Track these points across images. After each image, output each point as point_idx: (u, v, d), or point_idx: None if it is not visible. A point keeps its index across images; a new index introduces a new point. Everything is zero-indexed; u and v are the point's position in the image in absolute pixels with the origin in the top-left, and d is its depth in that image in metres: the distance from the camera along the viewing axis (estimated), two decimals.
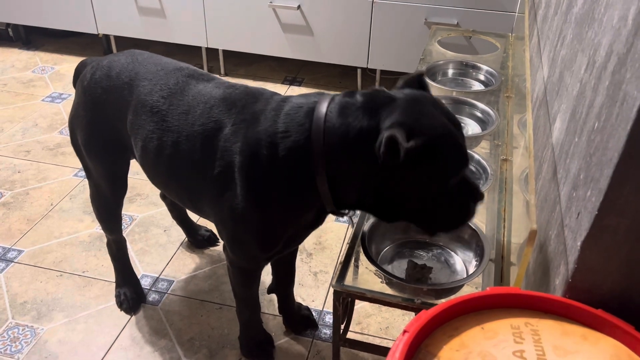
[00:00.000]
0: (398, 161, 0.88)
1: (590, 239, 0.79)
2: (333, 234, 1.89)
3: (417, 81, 1.07)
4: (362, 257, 1.11)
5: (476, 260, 1.15)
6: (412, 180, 0.95)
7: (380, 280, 1.07)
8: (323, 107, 1.00)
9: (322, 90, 1.14)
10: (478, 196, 1.01)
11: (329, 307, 1.61)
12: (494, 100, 1.79)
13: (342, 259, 1.11)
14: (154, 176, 1.27)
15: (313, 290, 1.67)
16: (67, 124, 2.45)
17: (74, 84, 1.41)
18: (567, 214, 0.93)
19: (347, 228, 1.92)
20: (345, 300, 1.09)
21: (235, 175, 1.06)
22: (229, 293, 1.64)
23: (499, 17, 2.44)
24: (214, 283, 1.68)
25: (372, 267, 1.08)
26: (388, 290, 1.06)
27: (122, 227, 1.88)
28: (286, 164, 1.01)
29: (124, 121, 1.27)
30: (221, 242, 1.84)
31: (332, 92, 1.07)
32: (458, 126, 0.99)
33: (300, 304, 1.58)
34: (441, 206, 0.99)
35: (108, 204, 1.46)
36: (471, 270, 1.15)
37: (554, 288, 0.93)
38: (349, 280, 1.08)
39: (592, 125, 0.87)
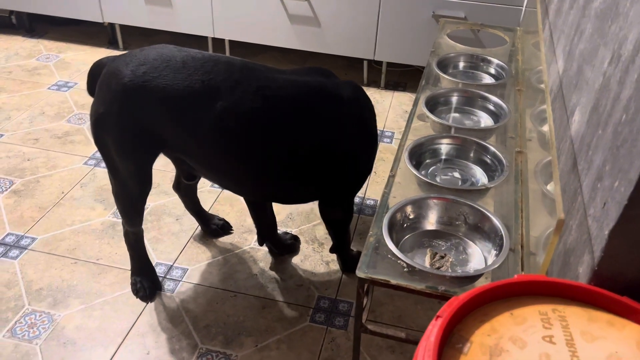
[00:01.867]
0: None
1: (618, 228, 0.82)
2: None
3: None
4: (385, 245, 1.14)
5: (495, 250, 1.18)
6: None
7: (404, 268, 1.09)
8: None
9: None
10: None
11: (342, 296, 1.63)
12: (505, 93, 1.81)
13: (366, 247, 1.13)
14: (256, 171, 1.39)
15: (325, 279, 1.69)
16: (74, 112, 2.45)
17: (90, 86, 1.41)
18: (590, 204, 0.96)
19: (357, 218, 1.94)
20: (368, 288, 1.11)
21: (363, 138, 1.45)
22: (243, 281, 1.66)
23: (506, 11, 2.46)
24: (228, 271, 1.70)
25: (395, 256, 1.10)
26: (412, 277, 1.08)
27: None
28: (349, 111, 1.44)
29: (185, 121, 1.30)
30: (234, 230, 1.86)
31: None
32: None
33: (284, 233, 1.82)
34: None
35: (134, 201, 1.48)
36: (490, 260, 1.18)
37: (576, 276, 0.95)
38: (373, 267, 1.10)
39: (618, 118, 0.89)
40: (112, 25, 3.03)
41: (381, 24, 2.62)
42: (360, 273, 1.08)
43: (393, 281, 1.06)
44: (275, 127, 1.33)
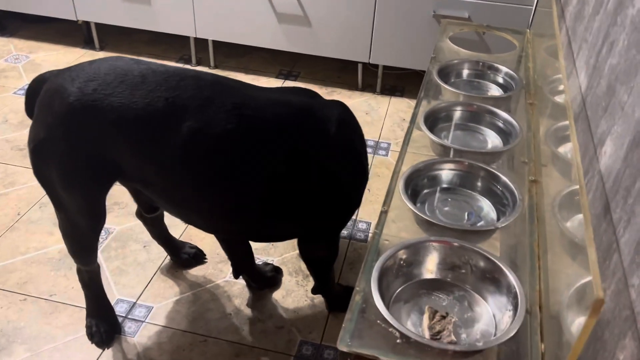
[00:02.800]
0: None
1: None
2: None
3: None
4: (374, 305, 0.93)
5: (508, 309, 0.97)
6: None
7: (397, 339, 0.88)
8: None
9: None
10: None
11: (328, 340, 1.43)
12: (515, 107, 1.60)
13: (350, 309, 0.93)
14: (211, 213, 1.21)
15: (310, 319, 1.48)
16: None
17: (29, 106, 1.19)
18: (633, 270, 0.75)
19: (348, 244, 1.73)
20: None
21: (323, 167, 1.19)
22: (215, 323, 1.46)
23: (514, 11, 2.24)
24: (198, 310, 1.49)
25: (386, 321, 0.89)
26: (406, 350, 0.88)
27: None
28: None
29: (146, 145, 1.09)
30: (208, 259, 1.65)
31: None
32: None
33: (264, 264, 1.63)
34: None
35: (85, 239, 1.27)
36: (502, 320, 0.97)
37: None
38: (359, 336, 0.89)
39: None
40: (87, 23, 2.81)
41: (377, 23, 2.41)
42: (342, 345, 0.87)
43: (382, 357, 0.86)
44: (253, 153, 1.12)
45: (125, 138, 1.09)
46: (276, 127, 1.13)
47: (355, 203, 1.31)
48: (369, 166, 2.10)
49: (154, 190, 1.19)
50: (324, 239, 1.33)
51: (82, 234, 1.25)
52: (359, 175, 1.28)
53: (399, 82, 2.69)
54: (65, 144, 1.10)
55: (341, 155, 1.22)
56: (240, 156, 1.11)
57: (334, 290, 1.50)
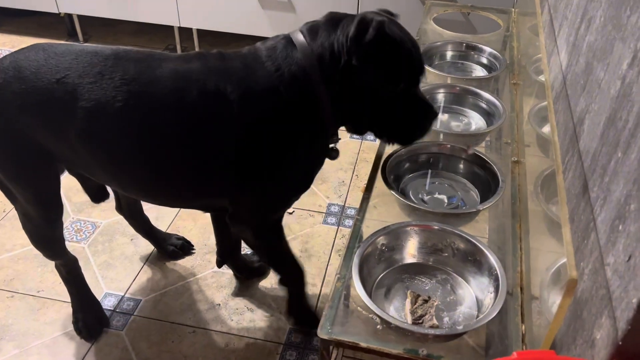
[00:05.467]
0: (363, 45, 0.99)
1: None
2: (320, 238, 1.70)
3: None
4: (354, 292, 0.93)
5: (490, 292, 0.97)
6: (369, 78, 1.03)
7: (377, 324, 0.88)
8: (300, 37, 1.07)
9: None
10: (432, 114, 1.13)
11: None
12: (498, 87, 1.59)
13: (330, 297, 0.92)
14: (137, 180, 1.13)
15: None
16: None
17: None
18: (609, 249, 0.75)
19: (336, 232, 1.73)
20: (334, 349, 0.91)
21: (262, 133, 1.06)
22: (203, 314, 1.45)
23: None
24: (187, 301, 1.49)
25: (367, 308, 0.89)
26: (387, 336, 0.88)
27: (85, 236, 1.68)
28: (292, 100, 1.05)
29: (54, 129, 1.07)
30: (196, 250, 1.65)
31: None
32: (417, 48, 1.09)
33: (252, 254, 1.59)
34: (395, 114, 1.09)
35: (42, 230, 1.25)
36: (485, 302, 0.97)
37: (592, 342, 0.75)
38: (340, 323, 0.89)
39: None
40: (69, 16, 2.77)
41: (362, 7, 2.38)
42: (322, 333, 0.87)
43: (363, 343, 0.86)
44: (145, 126, 1.06)
45: (37, 123, 1.07)
46: (174, 104, 1.04)
47: (294, 185, 1.16)
48: (358, 152, 2.09)
49: (84, 171, 1.17)
50: (248, 219, 1.19)
51: (37, 226, 1.23)
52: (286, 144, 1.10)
53: None
54: None
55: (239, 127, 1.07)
56: (142, 128, 1.06)
57: (299, 304, 1.40)
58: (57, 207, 1.22)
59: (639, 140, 0.70)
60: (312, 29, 1.07)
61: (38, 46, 1.10)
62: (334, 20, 1.06)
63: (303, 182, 1.18)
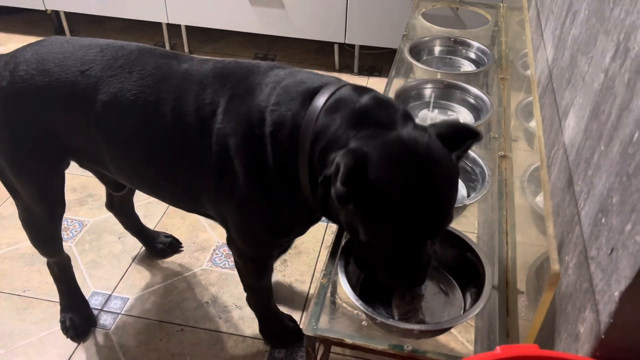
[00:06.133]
0: (335, 188, 0.77)
1: (633, 290, 0.61)
2: (310, 235, 1.69)
3: (460, 135, 0.86)
4: (340, 288, 0.92)
5: (477, 287, 0.96)
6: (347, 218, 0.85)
7: (362, 321, 0.88)
8: (323, 97, 0.89)
9: (337, 77, 0.99)
10: (408, 284, 0.89)
11: None
12: (486, 82, 1.58)
13: (316, 294, 0.92)
14: (142, 178, 1.11)
15: (288, 303, 1.48)
16: None
17: None
18: (592, 242, 0.75)
19: (326, 227, 1.72)
20: (320, 346, 0.90)
21: (233, 159, 0.97)
22: (192, 312, 1.45)
23: None
24: (175, 300, 1.48)
25: (352, 304, 0.88)
26: (372, 332, 0.87)
27: (72, 234, 1.67)
28: (275, 144, 0.93)
29: (76, 122, 1.06)
30: (185, 247, 1.64)
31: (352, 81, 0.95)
32: (442, 200, 0.82)
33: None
34: (372, 256, 0.88)
35: (44, 228, 1.25)
36: (472, 297, 0.97)
37: (576, 335, 0.75)
38: (324, 320, 0.89)
39: (629, 135, 0.67)
40: (56, 13, 2.75)
41: (351, 2, 2.37)
42: (308, 330, 0.86)
43: (348, 340, 0.85)
44: (154, 122, 1.03)
45: (59, 116, 1.07)
46: (170, 103, 1.01)
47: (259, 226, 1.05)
48: None
49: (103, 165, 1.15)
50: (231, 240, 1.12)
51: (39, 223, 1.23)
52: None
53: (377, 62, 2.67)
54: (7, 129, 1.08)
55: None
56: (145, 125, 1.03)
57: (268, 318, 1.35)
58: (62, 204, 1.22)
59: (621, 133, 0.70)
60: (338, 103, 0.88)
61: (60, 39, 1.10)
62: (366, 112, 0.85)
63: (278, 228, 1.05)
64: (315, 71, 1.01)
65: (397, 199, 0.77)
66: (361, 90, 0.91)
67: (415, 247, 0.83)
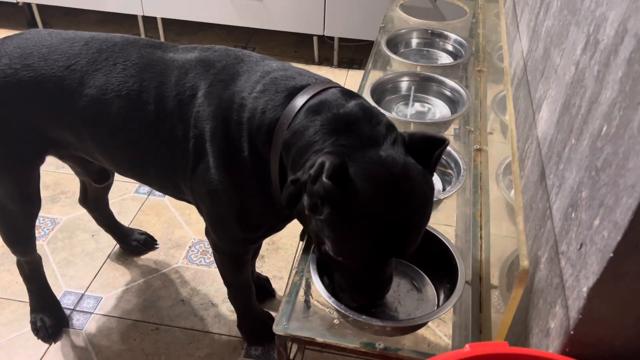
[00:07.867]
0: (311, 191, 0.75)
1: (601, 286, 0.60)
2: (288, 231, 1.66)
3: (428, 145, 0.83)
4: (314, 286, 0.91)
5: (450, 282, 0.96)
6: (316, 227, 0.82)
7: (334, 319, 0.86)
8: (304, 97, 0.87)
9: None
10: (368, 297, 0.86)
11: None
12: (464, 74, 1.57)
13: (287, 292, 0.90)
14: (129, 167, 1.09)
15: (265, 301, 1.46)
16: None
17: None
18: (562, 237, 0.74)
19: None
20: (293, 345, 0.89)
21: (207, 145, 0.94)
22: (167, 310, 1.42)
23: None
24: (150, 298, 1.45)
25: (324, 302, 0.87)
26: (344, 330, 0.86)
27: (44, 233, 1.63)
28: (251, 132, 0.90)
29: (57, 116, 1.04)
30: (160, 245, 1.61)
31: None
32: (415, 224, 0.81)
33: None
34: (336, 269, 0.86)
35: (19, 226, 1.21)
36: (445, 292, 0.96)
37: (547, 331, 0.74)
38: (296, 319, 0.87)
39: (597, 128, 0.66)
40: (28, 5, 2.68)
41: None
42: (278, 329, 0.85)
43: (319, 338, 0.84)
44: (138, 113, 1.02)
45: (44, 111, 1.05)
46: (152, 90, 1.00)
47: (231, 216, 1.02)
48: None
49: (89, 151, 1.12)
50: (207, 231, 1.11)
51: (14, 221, 1.20)
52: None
53: (357, 54, 2.65)
54: None
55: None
56: (129, 113, 1.02)
57: (247, 317, 1.33)
58: (38, 202, 1.20)
59: (591, 127, 0.69)
60: (322, 104, 0.85)
61: (41, 31, 1.07)
62: (348, 120, 0.82)
63: (250, 222, 1.03)
64: (315, 72, 0.98)
65: (371, 221, 0.76)
66: (348, 95, 0.88)
67: (381, 266, 0.82)
